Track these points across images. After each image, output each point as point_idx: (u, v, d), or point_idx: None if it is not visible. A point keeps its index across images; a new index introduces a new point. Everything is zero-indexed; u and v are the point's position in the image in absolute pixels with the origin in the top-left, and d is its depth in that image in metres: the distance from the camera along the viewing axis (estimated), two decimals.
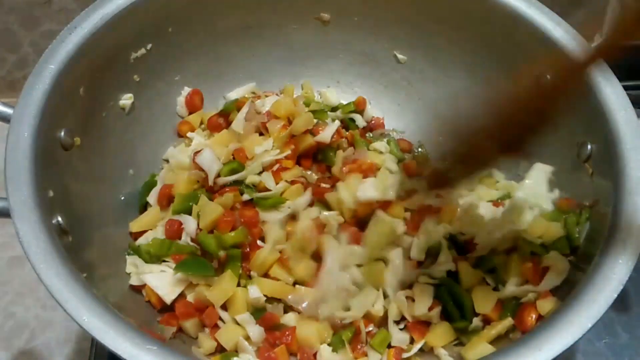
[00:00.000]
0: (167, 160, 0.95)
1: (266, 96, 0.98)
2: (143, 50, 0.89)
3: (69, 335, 0.91)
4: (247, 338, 0.77)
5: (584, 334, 0.60)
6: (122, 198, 0.88)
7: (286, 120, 0.91)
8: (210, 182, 0.86)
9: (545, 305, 0.72)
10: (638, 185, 0.70)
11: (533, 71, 0.62)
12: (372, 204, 0.84)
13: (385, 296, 0.81)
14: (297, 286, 0.81)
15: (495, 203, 0.88)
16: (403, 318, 0.81)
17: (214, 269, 0.80)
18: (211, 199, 0.84)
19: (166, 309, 0.80)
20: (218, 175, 0.86)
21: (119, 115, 0.88)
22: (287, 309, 0.81)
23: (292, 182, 0.88)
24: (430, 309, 0.78)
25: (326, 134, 0.92)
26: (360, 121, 1.02)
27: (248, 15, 0.97)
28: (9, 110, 0.72)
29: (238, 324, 0.78)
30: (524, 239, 0.79)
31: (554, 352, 0.59)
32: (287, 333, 0.77)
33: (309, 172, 0.91)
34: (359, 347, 0.79)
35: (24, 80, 0.73)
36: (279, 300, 0.80)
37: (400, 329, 0.80)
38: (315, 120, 0.92)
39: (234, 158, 0.89)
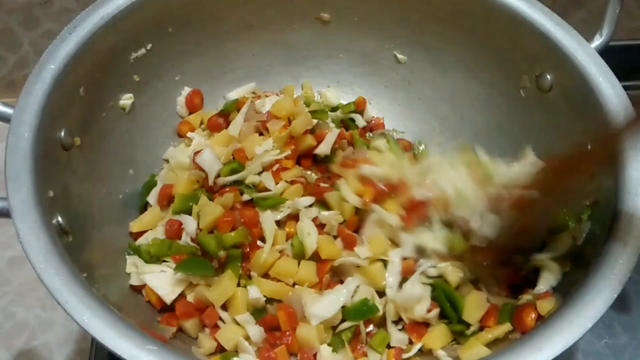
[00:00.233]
0: (167, 160, 0.95)
1: (266, 96, 0.98)
2: (143, 50, 0.89)
3: (69, 335, 0.91)
4: (247, 338, 0.76)
5: (584, 334, 0.60)
6: (122, 198, 0.88)
7: (286, 121, 0.91)
8: (211, 182, 0.86)
9: (545, 305, 0.72)
10: (638, 185, 0.70)
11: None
12: (374, 185, 0.83)
13: (381, 296, 0.81)
14: (296, 286, 0.81)
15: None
16: (401, 318, 0.81)
17: (214, 269, 0.80)
18: (211, 199, 0.84)
19: (166, 309, 0.80)
20: (218, 175, 0.86)
21: (119, 115, 0.88)
22: None
23: (292, 182, 0.88)
24: (428, 310, 0.78)
25: (325, 146, 0.91)
26: (360, 121, 1.02)
27: (248, 16, 0.97)
28: (9, 110, 0.72)
29: (238, 324, 0.78)
30: None
31: (554, 352, 0.59)
32: (287, 333, 0.77)
33: (309, 172, 0.91)
34: (358, 347, 0.79)
35: (24, 80, 0.73)
36: (279, 301, 0.80)
37: (399, 329, 0.80)
38: (315, 121, 0.92)
39: (234, 158, 0.89)
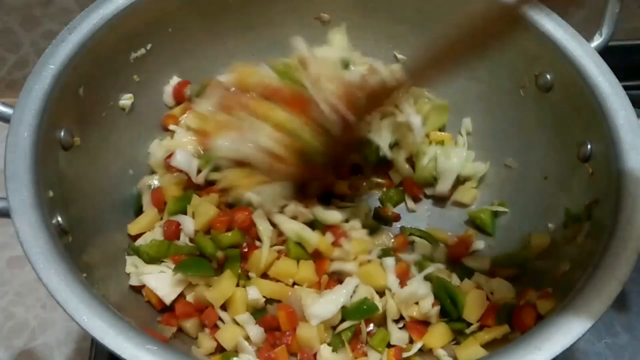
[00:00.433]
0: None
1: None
2: (143, 50, 0.89)
3: (69, 335, 0.91)
4: (247, 338, 0.77)
5: (584, 334, 0.60)
6: (122, 198, 0.88)
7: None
8: (196, 180, 0.85)
9: (545, 305, 0.72)
10: (638, 185, 0.70)
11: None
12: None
13: (381, 295, 0.81)
14: (296, 286, 0.81)
15: None
16: (402, 317, 0.81)
17: (214, 269, 0.80)
18: (200, 195, 0.84)
19: (166, 309, 0.80)
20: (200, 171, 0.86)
21: (119, 115, 0.88)
22: None
23: None
24: (432, 305, 0.79)
25: None
26: None
27: (248, 16, 0.96)
28: (9, 110, 0.72)
29: (238, 324, 0.78)
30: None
31: (554, 352, 0.59)
32: (287, 333, 0.77)
33: None
34: (358, 347, 0.79)
35: (24, 80, 0.73)
36: (279, 301, 0.80)
37: (400, 328, 0.80)
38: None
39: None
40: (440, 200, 0.97)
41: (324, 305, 0.77)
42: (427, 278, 0.81)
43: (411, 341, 0.79)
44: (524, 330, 0.72)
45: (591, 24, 0.87)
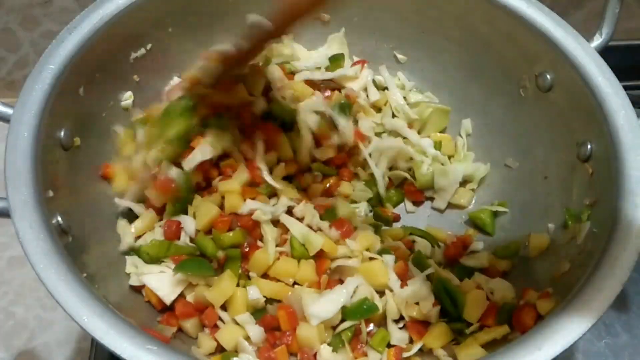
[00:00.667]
0: None
1: None
2: (143, 50, 0.89)
3: (69, 335, 0.91)
4: (247, 338, 0.76)
5: (584, 334, 0.60)
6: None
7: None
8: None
9: (545, 305, 0.72)
10: (638, 185, 0.70)
11: None
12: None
13: (381, 295, 0.81)
14: (296, 286, 0.81)
15: None
16: (402, 317, 0.81)
17: (214, 269, 0.80)
18: (202, 196, 0.84)
19: (166, 309, 0.80)
20: None
21: (119, 115, 0.88)
22: None
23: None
24: (433, 305, 0.79)
25: None
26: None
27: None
28: (9, 110, 0.72)
29: (238, 324, 0.78)
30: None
31: (554, 351, 0.59)
32: (287, 333, 0.77)
33: None
34: (358, 347, 0.79)
35: (24, 80, 0.73)
36: (279, 301, 0.80)
37: (400, 328, 0.80)
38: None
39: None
40: None
41: (324, 305, 0.77)
42: (427, 278, 0.81)
43: (411, 341, 0.79)
44: (524, 331, 0.72)
45: (591, 24, 0.87)
